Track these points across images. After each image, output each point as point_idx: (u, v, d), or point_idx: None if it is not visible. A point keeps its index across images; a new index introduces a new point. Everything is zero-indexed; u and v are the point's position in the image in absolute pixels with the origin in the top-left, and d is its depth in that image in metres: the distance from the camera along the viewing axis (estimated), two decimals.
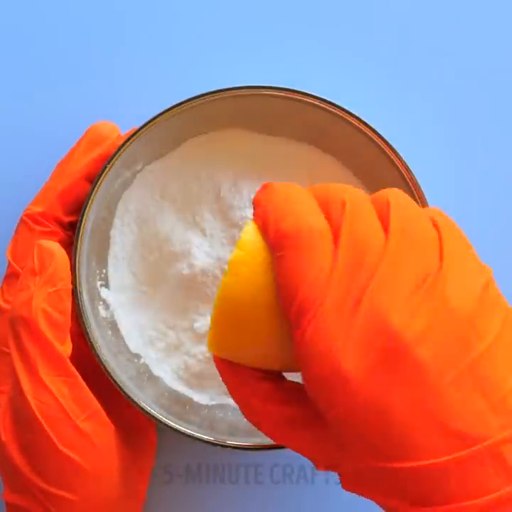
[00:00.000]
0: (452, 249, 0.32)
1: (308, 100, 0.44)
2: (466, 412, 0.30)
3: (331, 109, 0.44)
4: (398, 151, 0.44)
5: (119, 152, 0.44)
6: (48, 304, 0.40)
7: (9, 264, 0.44)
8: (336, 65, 0.49)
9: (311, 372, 0.31)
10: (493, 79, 0.50)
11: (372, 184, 0.46)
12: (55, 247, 0.42)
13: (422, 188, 0.44)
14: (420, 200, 0.44)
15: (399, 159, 0.44)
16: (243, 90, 0.44)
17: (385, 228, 0.32)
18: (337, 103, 0.44)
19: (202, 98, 0.44)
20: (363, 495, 0.33)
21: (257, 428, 0.35)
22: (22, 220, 0.44)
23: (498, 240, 0.49)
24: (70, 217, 0.45)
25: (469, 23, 0.50)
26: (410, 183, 0.44)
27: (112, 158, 0.44)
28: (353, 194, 0.33)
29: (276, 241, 0.33)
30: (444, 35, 0.50)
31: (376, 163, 0.45)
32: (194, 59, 0.49)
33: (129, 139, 0.44)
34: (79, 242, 0.44)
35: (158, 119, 0.44)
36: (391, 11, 0.49)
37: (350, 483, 0.33)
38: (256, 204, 0.35)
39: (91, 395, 0.41)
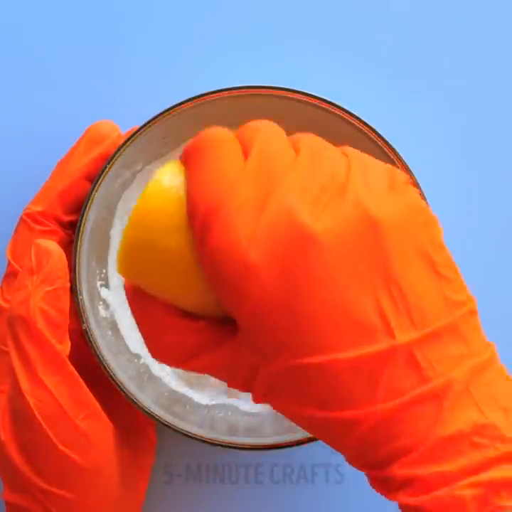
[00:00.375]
0: (359, 163, 0.32)
1: (308, 100, 0.44)
2: (372, 308, 0.30)
3: (331, 109, 0.44)
4: (398, 151, 0.44)
5: (119, 152, 0.44)
6: (45, 303, 0.40)
7: (9, 263, 0.44)
8: (335, 65, 0.49)
9: (217, 272, 0.30)
10: (493, 79, 0.50)
11: None
12: (52, 246, 0.42)
13: (422, 188, 0.44)
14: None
15: (399, 159, 0.44)
16: (243, 90, 0.44)
17: (296, 149, 0.32)
18: (337, 103, 0.44)
19: (202, 98, 0.44)
20: (278, 408, 0.32)
21: (162, 361, 0.34)
22: (22, 219, 0.44)
23: (498, 239, 0.49)
24: (69, 216, 0.45)
25: (469, 23, 0.50)
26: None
27: (111, 158, 0.44)
28: (267, 124, 0.33)
29: (186, 156, 0.32)
30: (444, 35, 0.50)
31: None
32: (194, 59, 0.49)
33: (129, 139, 0.44)
34: (79, 242, 0.44)
35: (158, 119, 0.44)
36: (391, 11, 0.49)
37: (264, 393, 0.32)
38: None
39: (90, 394, 0.41)
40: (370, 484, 0.32)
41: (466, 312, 0.31)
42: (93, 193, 0.44)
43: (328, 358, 0.30)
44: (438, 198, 0.44)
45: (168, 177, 0.33)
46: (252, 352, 0.32)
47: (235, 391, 0.47)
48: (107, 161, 0.44)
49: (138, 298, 0.34)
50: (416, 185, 0.44)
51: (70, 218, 0.45)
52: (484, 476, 0.29)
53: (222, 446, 0.44)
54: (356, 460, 0.32)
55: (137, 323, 0.34)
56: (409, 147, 0.44)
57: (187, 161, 0.33)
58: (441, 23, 0.50)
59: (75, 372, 0.41)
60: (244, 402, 0.47)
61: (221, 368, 0.33)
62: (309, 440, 0.44)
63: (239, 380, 0.33)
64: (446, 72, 0.50)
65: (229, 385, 0.33)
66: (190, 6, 0.49)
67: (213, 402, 0.47)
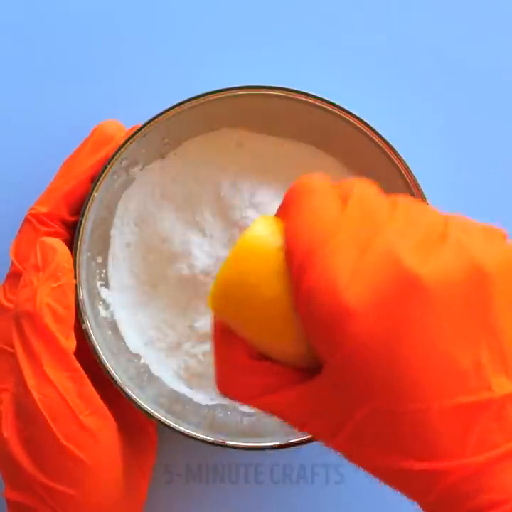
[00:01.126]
0: (455, 217, 0.32)
1: (308, 100, 0.44)
2: (472, 358, 0.29)
3: (331, 109, 0.44)
4: (398, 151, 0.44)
5: (119, 152, 0.44)
6: (52, 299, 0.41)
7: (12, 263, 0.44)
8: (336, 65, 0.49)
9: (312, 312, 0.30)
10: (494, 79, 0.50)
11: None
12: (57, 244, 0.42)
13: (422, 188, 0.44)
14: (420, 200, 0.44)
15: (399, 159, 0.44)
16: (243, 90, 0.44)
17: (393, 203, 0.32)
18: (337, 103, 0.44)
19: (202, 98, 0.44)
20: (357, 457, 0.31)
21: (228, 396, 0.34)
22: (27, 220, 0.44)
23: None
24: (75, 217, 0.45)
25: (469, 23, 0.50)
26: (410, 183, 0.44)
27: (112, 158, 0.44)
28: (364, 180, 0.33)
29: (285, 201, 0.32)
30: (444, 35, 0.50)
31: (376, 163, 0.45)
32: (194, 59, 0.49)
33: (129, 139, 0.44)
34: (79, 242, 0.44)
35: (158, 119, 0.44)
36: (391, 11, 0.49)
37: (346, 439, 0.31)
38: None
39: (94, 391, 0.41)
40: None
41: None
42: (93, 193, 0.44)
43: (424, 407, 0.29)
44: (438, 198, 0.44)
45: (265, 224, 0.33)
46: (338, 397, 0.30)
47: None
48: (107, 161, 0.44)
49: (224, 334, 0.33)
50: (416, 185, 0.44)
51: (75, 219, 0.45)
52: None
53: (222, 446, 0.44)
54: None
55: (215, 358, 0.34)
56: (409, 147, 0.44)
57: (286, 205, 0.32)
58: (441, 23, 0.50)
59: (81, 369, 0.41)
60: None
61: (292, 409, 0.32)
62: (309, 440, 0.44)
63: (316, 424, 0.32)
64: (446, 72, 0.50)
65: (300, 429, 0.32)
66: (191, 6, 0.49)
67: (213, 402, 0.47)
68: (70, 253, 0.42)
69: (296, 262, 0.30)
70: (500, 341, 0.30)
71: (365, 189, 0.32)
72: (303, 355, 0.32)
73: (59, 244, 0.42)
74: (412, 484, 0.30)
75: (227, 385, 0.33)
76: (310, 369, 0.32)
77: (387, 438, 0.30)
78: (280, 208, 0.33)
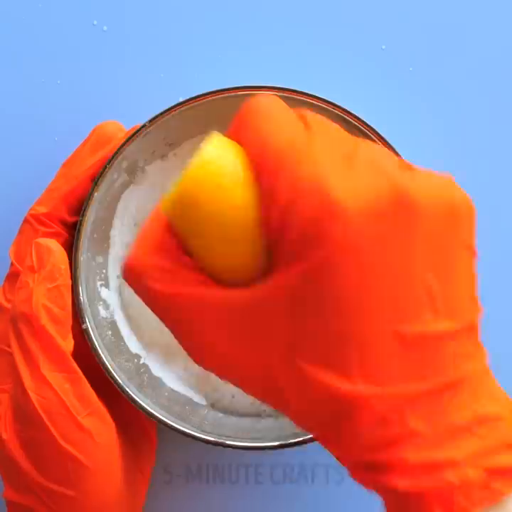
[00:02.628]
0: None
1: (308, 100, 0.44)
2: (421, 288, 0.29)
3: (331, 109, 0.44)
4: (398, 151, 0.44)
5: (119, 152, 0.44)
6: (48, 300, 0.41)
7: (12, 263, 0.44)
8: (335, 65, 0.49)
9: (291, 212, 0.29)
10: (494, 79, 0.50)
11: None
12: (52, 244, 0.42)
13: None
14: None
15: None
16: (243, 90, 0.44)
17: (306, 123, 0.31)
18: (337, 103, 0.44)
19: (202, 98, 0.44)
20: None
21: (136, 279, 0.32)
22: (26, 220, 0.44)
23: (498, 239, 0.49)
24: (74, 218, 0.45)
25: (469, 23, 0.50)
26: None
27: (112, 158, 0.44)
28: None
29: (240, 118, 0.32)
30: (444, 35, 0.49)
31: None
32: (194, 59, 0.49)
33: (128, 139, 0.44)
34: (79, 242, 0.44)
35: (158, 119, 0.44)
36: (391, 11, 0.49)
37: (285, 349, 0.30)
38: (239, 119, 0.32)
39: (93, 392, 0.41)
40: (355, 476, 0.31)
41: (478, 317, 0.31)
42: (93, 193, 0.44)
43: (374, 329, 0.29)
44: None
45: (221, 140, 0.32)
46: (289, 305, 0.29)
47: (235, 390, 0.47)
48: (107, 161, 0.44)
49: (161, 220, 0.32)
50: None
51: (75, 220, 0.45)
52: (487, 462, 0.29)
53: (222, 446, 0.44)
54: (352, 447, 0.30)
55: (140, 232, 0.32)
56: (410, 147, 0.44)
57: (240, 125, 0.32)
58: (442, 23, 0.50)
59: (79, 370, 0.41)
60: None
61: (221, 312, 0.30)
62: (309, 440, 0.44)
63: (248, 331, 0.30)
64: (446, 72, 0.50)
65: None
66: (191, 7, 0.49)
67: (213, 402, 0.47)
68: (65, 254, 0.42)
69: (270, 167, 0.30)
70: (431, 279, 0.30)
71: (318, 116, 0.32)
72: (245, 271, 0.31)
73: (55, 245, 0.42)
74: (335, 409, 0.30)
75: (141, 262, 0.31)
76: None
77: (323, 349, 0.29)
78: (232, 129, 0.32)
